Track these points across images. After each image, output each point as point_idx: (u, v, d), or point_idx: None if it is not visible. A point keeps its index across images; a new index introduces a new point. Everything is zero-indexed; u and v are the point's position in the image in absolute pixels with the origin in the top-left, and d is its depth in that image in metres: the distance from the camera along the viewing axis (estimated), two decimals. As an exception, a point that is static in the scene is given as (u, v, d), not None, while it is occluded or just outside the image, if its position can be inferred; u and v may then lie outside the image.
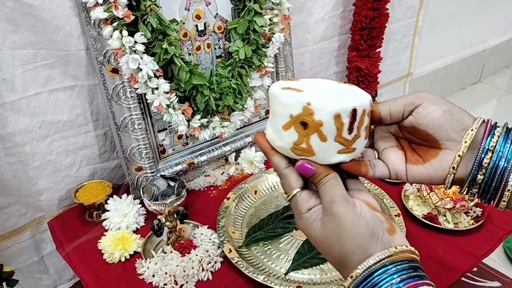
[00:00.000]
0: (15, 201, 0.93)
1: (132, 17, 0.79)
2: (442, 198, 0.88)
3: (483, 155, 0.44)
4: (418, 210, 0.93)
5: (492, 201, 0.46)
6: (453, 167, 0.46)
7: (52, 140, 0.92)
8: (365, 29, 1.28)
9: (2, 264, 0.87)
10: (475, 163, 0.45)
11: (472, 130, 0.45)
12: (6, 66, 0.81)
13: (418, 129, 0.48)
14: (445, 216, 0.90)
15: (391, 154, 0.51)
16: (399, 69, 1.64)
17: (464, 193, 0.48)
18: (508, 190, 0.44)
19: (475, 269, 1.12)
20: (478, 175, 0.45)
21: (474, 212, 0.91)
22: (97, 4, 0.78)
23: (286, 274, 0.79)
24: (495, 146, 0.44)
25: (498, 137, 0.44)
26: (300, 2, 1.19)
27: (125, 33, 0.80)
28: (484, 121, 0.46)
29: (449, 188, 0.48)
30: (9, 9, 0.77)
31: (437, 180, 0.48)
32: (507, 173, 0.44)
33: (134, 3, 0.80)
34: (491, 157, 0.44)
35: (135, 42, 0.80)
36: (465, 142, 0.45)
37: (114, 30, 0.79)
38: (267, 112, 1.16)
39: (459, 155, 0.46)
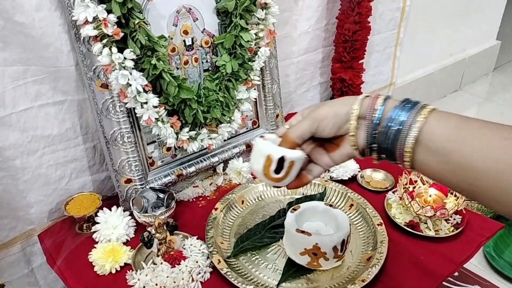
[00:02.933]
0: (5, 214, 0.94)
1: (121, 34, 0.82)
2: (423, 206, 0.92)
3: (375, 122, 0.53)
4: (401, 218, 0.96)
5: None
6: (352, 135, 0.55)
7: (42, 154, 0.93)
8: (348, 41, 1.32)
9: (-8, 278, 0.87)
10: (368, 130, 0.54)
11: (354, 109, 0.54)
12: (-4, 83, 0.83)
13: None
14: (426, 223, 0.94)
15: (315, 154, 0.61)
16: (381, 79, 1.68)
17: (373, 156, 0.56)
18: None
19: (456, 273, 1.16)
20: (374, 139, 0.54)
21: (454, 219, 0.95)
22: (86, 22, 0.80)
23: (278, 285, 0.81)
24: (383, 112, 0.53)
25: (381, 105, 0.53)
26: (285, 16, 1.23)
27: (114, 49, 0.82)
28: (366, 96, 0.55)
29: (362, 156, 0.57)
30: None
31: (355, 154, 0.58)
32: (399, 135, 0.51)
33: (123, 21, 0.82)
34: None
35: (125, 58, 0.83)
36: (353, 116, 0.55)
37: (103, 47, 0.81)
38: (254, 123, 1.19)
39: (351, 135, 0.55)
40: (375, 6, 1.34)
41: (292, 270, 0.84)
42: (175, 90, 0.90)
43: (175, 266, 0.82)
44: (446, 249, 0.90)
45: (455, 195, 0.96)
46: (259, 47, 1.04)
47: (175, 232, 0.88)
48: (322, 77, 1.46)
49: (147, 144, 1.00)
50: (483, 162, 0.47)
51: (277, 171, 0.59)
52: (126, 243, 0.91)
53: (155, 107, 0.89)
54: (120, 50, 0.82)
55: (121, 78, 0.83)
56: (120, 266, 0.85)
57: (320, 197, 1.02)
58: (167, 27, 0.94)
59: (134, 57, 0.83)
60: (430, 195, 0.98)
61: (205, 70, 1.04)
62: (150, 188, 0.97)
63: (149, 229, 0.85)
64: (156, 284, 0.79)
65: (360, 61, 1.38)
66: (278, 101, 1.20)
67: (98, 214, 0.93)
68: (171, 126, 0.94)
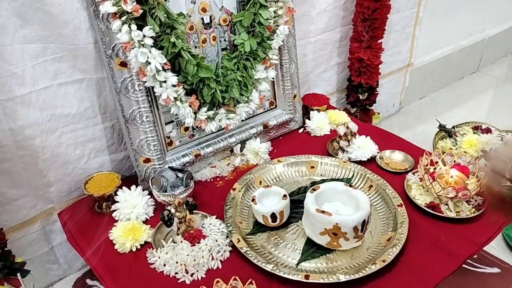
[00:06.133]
0: (26, 193, 0.94)
1: (141, 11, 0.80)
2: (445, 188, 0.90)
3: None
4: (421, 199, 0.95)
5: None
6: None
7: (61, 133, 0.93)
8: (367, 20, 1.29)
9: (14, 255, 0.88)
10: None
11: None
12: (16, 61, 0.82)
13: None
14: (447, 205, 0.92)
15: None
16: (399, 59, 1.65)
17: None
18: None
19: (475, 256, 1.14)
20: None
21: (476, 200, 0.93)
22: (106, -1, 0.79)
23: (297, 264, 0.81)
24: None
25: None
26: (303, -6, 1.20)
27: (133, 27, 0.81)
28: None
29: None
30: (19, 3, 0.78)
31: None
32: None
33: (142, -3, 0.81)
34: None
35: (144, 36, 0.81)
36: None
37: (123, 24, 0.80)
38: (271, 103, 1.18)
39: None
40: (395, -17, 1.30)
41: (311, 249, 0.84)
42: (194, 69, 0.89)
43: (195, 245, 0.82)
44: (467, 230, 0.89)
45: (477, 176, 0.95)
46: (278, 25, 1.02)
47: (194, 211, 0.88)
48: (339, 57, 1.44)
49: (165, 124, 0.99)
50: None
51: (274, 219, 0.86)
52: (145, 222, 0.91)
53: (174, 86, 0.88)
54: (139, 28, 0.81)
55: (140, 56, 0.82)
56: (140, 244, 0.85)
57: (347, 181, 1.00)
58: (186, 4, 0.93)
59: (153, 34, 0.82)
60: (451, 176, 0.96)
61: (223, 49, 1.03)
62: (169, 167, 0.96)
63: (169, 208, 0.85)
64: (177, 262, 0.79)
65: (379, 41, 1.35)
66: (296, 81, 1.19)
67: (117, 193, 0.93)
68: (190, 106, 0.94)
